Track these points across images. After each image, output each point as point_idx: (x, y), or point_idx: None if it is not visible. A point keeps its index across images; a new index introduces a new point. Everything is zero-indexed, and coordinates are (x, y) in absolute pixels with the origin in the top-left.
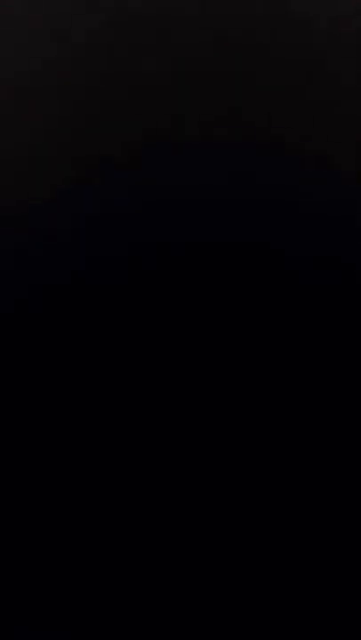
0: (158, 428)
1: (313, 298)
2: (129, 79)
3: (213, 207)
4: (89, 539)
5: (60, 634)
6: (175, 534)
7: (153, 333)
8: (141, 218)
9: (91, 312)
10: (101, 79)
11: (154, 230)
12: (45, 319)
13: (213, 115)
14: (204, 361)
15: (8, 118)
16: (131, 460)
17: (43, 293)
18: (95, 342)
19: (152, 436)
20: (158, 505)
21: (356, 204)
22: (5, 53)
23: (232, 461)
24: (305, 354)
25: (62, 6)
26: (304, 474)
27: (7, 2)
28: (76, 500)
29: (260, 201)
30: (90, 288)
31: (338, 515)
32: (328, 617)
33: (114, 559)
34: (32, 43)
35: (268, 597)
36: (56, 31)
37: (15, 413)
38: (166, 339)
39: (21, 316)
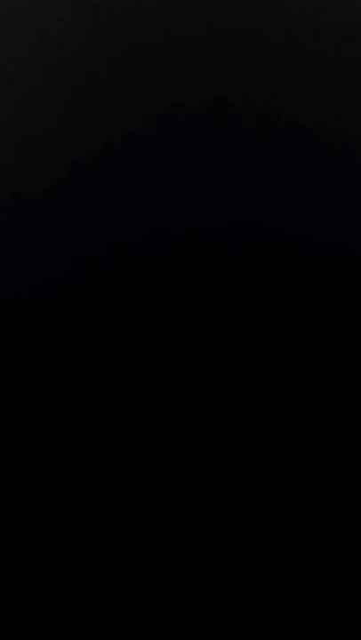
0: (158, 424)
1: (315, 289)
2: (127, 65)
3: (214, 195)
4: (89, 538)
5: (60, 634)
6: (175, 534)
7: (154, 325)
8: (142, 206)
9: (90, 306)
10: (98, 65)
11: (155, 218)
12: (45, 314)
13: (213, 99)
14: (205, 355)
15: (3, 111)
16: (131, 459)
17: (43, 286)
18: (95, 336)
19: (152, 435)
20: (158, 504)
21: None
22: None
23: (232, 461)
24: (307, 349)
25: None
26: (304, 474)
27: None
28: (76, 500)
29: (261, 188)
30: (89, 280)
31: (338, 514)
32: (328, 617)
33: (114, 559)
34: (25, 32)
35: (268, 597)
36: (50, 18)
37: (15, 414)
38: (167, 332)
39: (21, 311)
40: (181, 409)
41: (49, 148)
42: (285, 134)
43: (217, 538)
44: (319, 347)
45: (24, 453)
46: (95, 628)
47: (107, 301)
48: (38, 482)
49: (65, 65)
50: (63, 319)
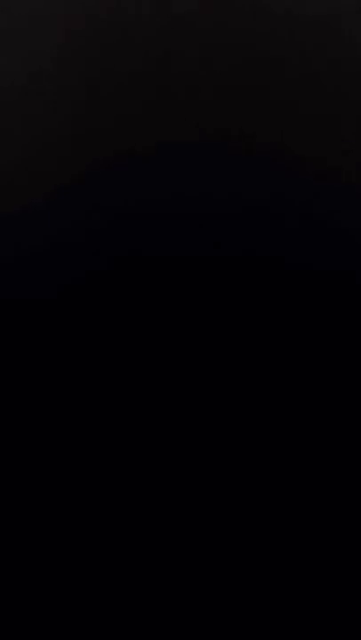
0: (158, 430)
1: (313, 307)
2: (128, 88)
3: (213, 219)
4: (88, 538)
5: (60, 633)
6: (175, 534)
7: (153, 339)
8: (140, 229)
9: (89, 321)
10: (99, 87)
11: (154, 241)
12: (46, 323)
13: (213, 126)
14: (205, 366)
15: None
16: (130, 459)
17: (44, 295)
18: (95, 344)
19: (152, 436)
20: (158, 504)
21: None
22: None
23: (231, 461)
24: (304, 359)
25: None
26: (303, 473)
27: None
28: (76, 500)
29: (260, 211)
30: (88, 289)
31: (338, 514)
32: (328, 617)
33: (114, 559)
34: (26, 43)
35: (268, 597)
36: (54, 30)
37: (15, 413)
38: (166, 345)
39: (22, 318)
40: (181, 413)
41: (49, 164)
42: (280, 161)
43: (217, 537)
44: (315, 355)
45: (24, 453)
46: (95, 627)
47: (106, 311)
48: (38, 481)
49: (65, 90)
50: (63, 327)
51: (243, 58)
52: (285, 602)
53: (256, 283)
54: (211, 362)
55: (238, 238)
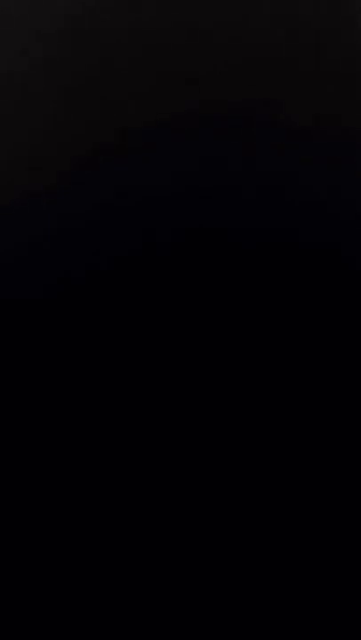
0: (158, 425)
1: (310, 287)
2: (123, 68)
3: (213, 197)
4: (88, 537)
5: (60, 634)
6: (175, 534)
7: (151, 325)
8: (137, 207)
9: (87, 309)
10: (95, 71)
11: (151, 218)
12: (45, 316)
13: (212, 101)
14: (203, 357)
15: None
16: (130, 459)
17: (42, 289)
18: (94, 339)
19: (151, 436)
20: (158, 503)
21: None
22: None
23: (231, 461)
24: (303, 348)
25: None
26: (303, 473)
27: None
28: (76, 498)
29: (261, 190)
30: (88, 283)
31: (337, 514)
32: (328, 617)
33: (114, 559)
34: (19, 37)
35: (268, 597)
36: (45, 25)
37: (15, 413)
38: (166, 333)
39: (20, 315)
40: (181, 411)
41: (47, 151)
42: (284, 136)
43: (217, 536)
44: (317, 345)
45: (24, 452)
46: (95, 627)
47: (105, 304)
48: (38, 481)
49: (61, 70)
50: (62, 322)
51: (242, 31)
52: (285, 602)
53: (258, 264)
54: (212, 356)
55: (239, 212)
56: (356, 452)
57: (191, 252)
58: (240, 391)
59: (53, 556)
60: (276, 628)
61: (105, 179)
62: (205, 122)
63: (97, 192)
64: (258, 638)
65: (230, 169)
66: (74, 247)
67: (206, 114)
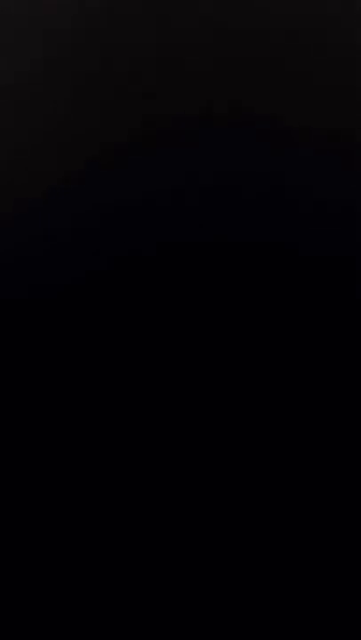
0: (158, 427)
1: (313, 292)
2: (126, 67)
3: (214, 201)
4: (88, 537)
5: (60, 634)
6: (175, 532)
7: (153, 331)
8: (140, 212)
9: (88, 312)
10: (98, 68)
11: (154, 224)
12: (44, 318)
13: (213, 104)
14: (204, 358)
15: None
16: (130, 459)
17: (42, 292)
18: (94, 341)
19: (151, 435)
20: (158, 503)
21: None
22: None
23: (231, 460)
24: (305, 351)
25: None
26: (303, 473)
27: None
28: (76, 498)
29: (260, 194)
30: (88, 286)
31: (338, 515)
32: (328, 617)
33: (114, 560)
34: (24, 31)
35: (268, 597)
36: (50, 20)
37: (15, 413)
38: (166, 337)
39: (20, 317)
40: (181, 410)
41: (48, 154)
42: (287, 140)
43: (217, 536)
44: (317, 348)
45: (24, 452)
46: (95, 627)
47: (106, 307)
48: (38, 480)
49: (60, 70)
50: (62, 325)
51: (242, 28)
52: (285, 602)
53: (259, 270)
54: (213, 357)
55: (241, 221)
56: (357, 452)
57: (191, 253)
58: (240, 392)
59: (53, 555)
60: (277, 627)
61: (104, 180)
62: (206, 122)
63: (97, 193)
64: (258, 638)
65: (230, 169)
66: (74, 248)
67: (206, 113)
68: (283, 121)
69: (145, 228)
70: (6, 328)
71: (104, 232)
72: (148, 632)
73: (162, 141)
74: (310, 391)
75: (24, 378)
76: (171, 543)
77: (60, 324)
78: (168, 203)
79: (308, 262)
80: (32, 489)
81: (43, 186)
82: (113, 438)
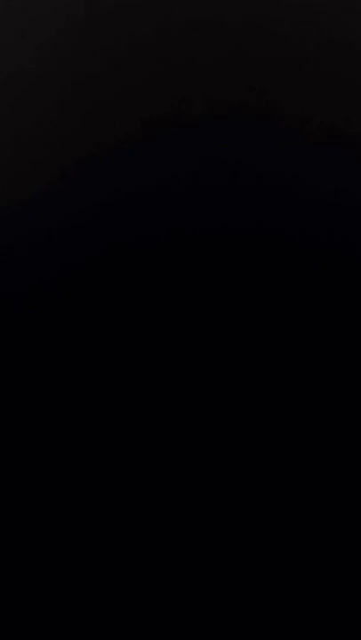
0: (158, 424)
1: (313, 284)
2: (129, 61)
3: (212, 194)
4: (88, 537)
5: (60, 634)
6: (175, 534)
7: (154, 323)
8: (142, 200)
9: (87, 306)
10: (101, 61)
11: (154, 216)
12: (46, 312)
13: (217, 96)
14: (203, 353)
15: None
16: (130, 459)
17: (42, 285)
18: (94, 335)
19: (151, 435)
20: (158, 503)
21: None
22: (4, 42)
23: (232, 460)
24: (306, 346)
25: None
26: (303, 472)
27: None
28: (76, 498)
29: (262, 188)
30: (88, 278)
31: (338, 515)
32: (328, 617)
33: (114, 560)
34: (29, 28)
35: (268, 598)
36: (54, 15)
37: (15, 413)
38: (166, 330)
39: (21, 309)
40: (181, 407)
41: (47, 148)
42: (288, 135)
43: (217, 537)
44: (318, 343)
45: (24, 450)
46: (95, 627)
47: (105, 300)
48: (38, 480)
49: (61, 68)
50: (62, 317)
51: (247, 27)
52: (285, 601)
53: (262, 264)
54: (213, 349)
55: (240, 209)
56: (357, 452)
57: (191, 252)
58: (239, 393)
59: (53, 555)
60: (277, 627)
61: (103, 177)
62: (206, 121)
63: (96, 190)
64: (258, 638)
65: (230, 169)
66: (73, 244)
67: (207, 113)
68: (282, 112)
69: (144, 219)
70: (7, 321)
71: (104, 223)
72: (148, 631)
73: (162, 133)
74: (308, 379)
75: (25, 369)
76: (171, 543)
77: (60, 316)
78: (168, 194)
79: (308, 254)
80: (30, 481)
81: (41, 179)
82: (111, 432)
